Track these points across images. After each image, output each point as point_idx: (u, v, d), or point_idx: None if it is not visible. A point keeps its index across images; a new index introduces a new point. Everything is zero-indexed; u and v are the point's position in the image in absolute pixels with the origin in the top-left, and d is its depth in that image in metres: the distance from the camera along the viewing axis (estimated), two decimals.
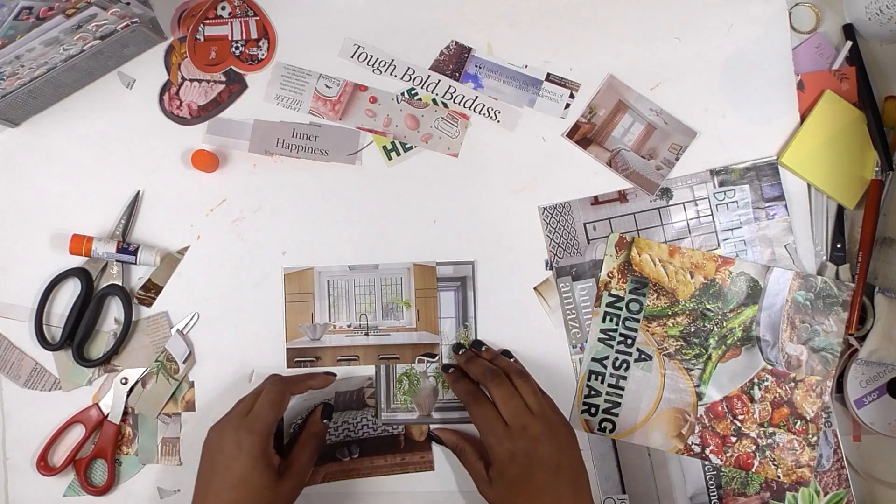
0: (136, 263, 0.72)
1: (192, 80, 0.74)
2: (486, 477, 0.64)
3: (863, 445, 0.71)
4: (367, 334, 0.72)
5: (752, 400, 0.70)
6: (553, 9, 0.74)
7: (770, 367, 0.70)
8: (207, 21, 0.74)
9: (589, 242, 0.72)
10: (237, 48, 0.74)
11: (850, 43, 0.72)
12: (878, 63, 0.73)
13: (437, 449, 0.71)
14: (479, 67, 0.74)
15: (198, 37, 0.74)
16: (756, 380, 0.70)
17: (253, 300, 0.72)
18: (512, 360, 0.70)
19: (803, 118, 0.72)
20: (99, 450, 0.71)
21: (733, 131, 0.72)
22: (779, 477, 0.70)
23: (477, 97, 0.73)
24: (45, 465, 0.71)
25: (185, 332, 0.72)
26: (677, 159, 0.72)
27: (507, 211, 0.73)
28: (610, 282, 0.71)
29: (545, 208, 0.72)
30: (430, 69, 0.74)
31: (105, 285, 0.72)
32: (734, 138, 0.72)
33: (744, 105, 0.72)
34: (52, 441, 0.71)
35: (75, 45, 0.66)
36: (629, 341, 0.71)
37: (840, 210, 0.71)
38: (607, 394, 0.71)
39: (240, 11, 0.74)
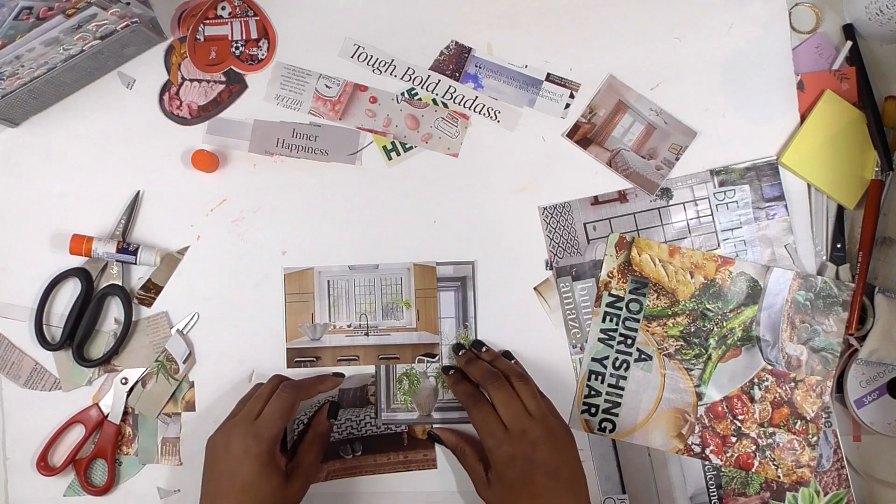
0: (136, 263, 0.72)
1: (192, 80, 0.74)
2: (485, 479, 0.64)
3: (863, 445, 0.71)
4: (367, 334, 0.72)
5: (752, 400, 0.70)
6: (553, 9, 0.74)
7: (770, 367, 0.70)
8: (207, 21, 0.74)
9: (589, 242, 0.72)
10: (237, 48, 0.74)
11: (850, 43, 0.72)
12: (878, 63, 0.73)
13: (440, 447, 0.71)
14: (479, 67, 0.74)
15: (198, 37, 0.74)
16: (756, 380, 0.70)
17: (253, 300, 0.72)
18: (512, 361, 0.70)
19: (803, 118, 0.72)
20: (99, 450, 0.71)
21: (733, 131, 0.72)
22: (779, 477, 0.70)
23: (477, 97, 0.74)
24: (45, 465, 0.71)
25: (185, 332, 0.72)
26: (677, 159, 0.72)
27: (507, 211, 0.73)
28: (610, 282, 0.71)
29: (545, 208, 0.72)
30: (430, 69, 0.74)
31: (105, 285, 0.72)
32: (734, 138, 0.72)
33: (744, 105, 0.72)
34: (52, 441, 0.71)
35: (75, 45, 0.66)
36: (629, 341, 0.71)
37: (840, 210, 0.71)
38: (607, 394, 0.71)
39: (240, 11, 0.74)
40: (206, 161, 0.71)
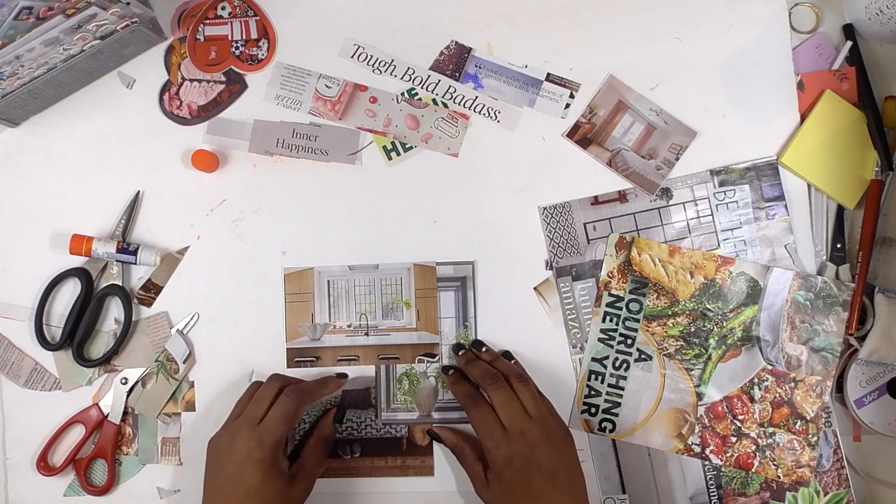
0: (136, 263, 0.72)
1: (192, 80, 0.74)
2: (484, 479, 0.64)
3: (863, 445, 0.71)
4: (367, 334, 0.72)
5: (752, 400, 0.70)
6: (553, 9, 0.74)
7: (770, 367, 0.70)
8: (207, 21, 0.74)
9: (589, 242, 0.72)
10: (237, 48, 0.74)
11: (850, 43, 0.72)
12: (878, 63, 0.73)
13: (437, 454, 0.71)
14: (479, 67, 0.74)
15: (198, 37, 0.74)
16: (756, 380, 0.70)
17: (253, 300, 0.72)
18: (512, 361, 0.70)
19: (803, 118, 0.72)
20: (99, 450, 0.71)
21: (733, 131, 0.72)
22: (779, 477, 0.70)
23: (477, 97, 0.73)
24: (45, 465, 0.71)
25: (185, 332, 0.72)
26: (677, 159, 0.72)
27: (507, 211, 0.73)
28: (610, 282, 0.71)
29: (545, 208, 0.72)
30: (430, 69, 0.74)
31: (105, 285, 0.72)
32: (734, 138, 0.72)
33: (744, 105, 0.72)
34: (52, 441, 0.71)
35: (75, 45, 0.66)
36: (629, 341, 0.71)
37: (840, 210, 0.71)
38: (607, 394, 0.71)
39: (240, 11, 0.74)
40: (206, 161, 0.71)
